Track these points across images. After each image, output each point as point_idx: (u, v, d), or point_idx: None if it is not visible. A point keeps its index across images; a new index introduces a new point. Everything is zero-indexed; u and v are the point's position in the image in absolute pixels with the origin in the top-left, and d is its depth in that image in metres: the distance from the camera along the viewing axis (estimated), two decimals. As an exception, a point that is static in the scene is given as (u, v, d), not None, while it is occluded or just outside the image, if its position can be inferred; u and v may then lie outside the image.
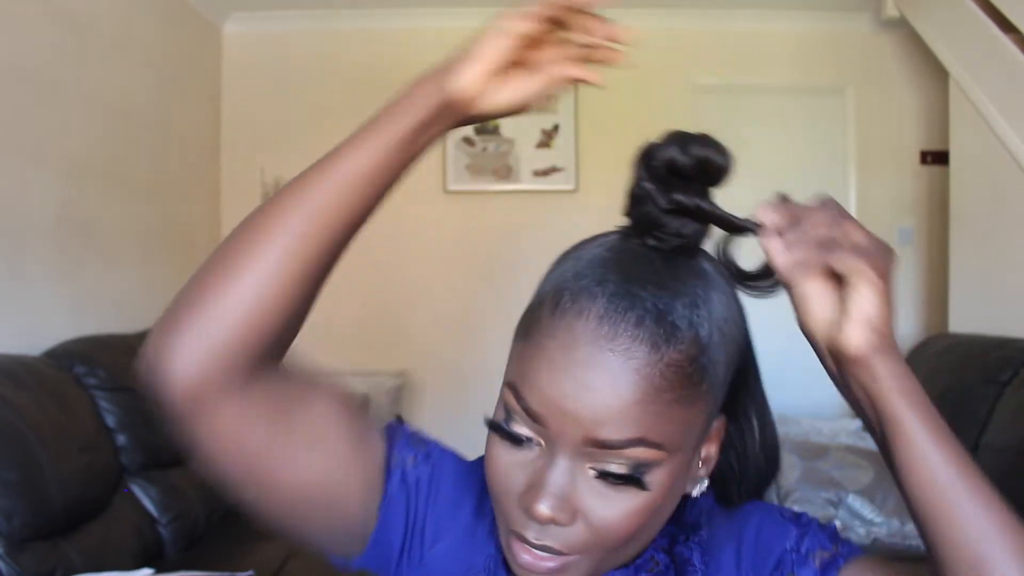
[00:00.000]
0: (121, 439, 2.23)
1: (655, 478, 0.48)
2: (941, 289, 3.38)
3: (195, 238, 3.45)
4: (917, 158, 3.72)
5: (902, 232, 3.71)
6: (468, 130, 3.69)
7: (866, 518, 2.37)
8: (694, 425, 0.50)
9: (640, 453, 0.47)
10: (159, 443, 2.37)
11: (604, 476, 0.48)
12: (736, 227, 0.50)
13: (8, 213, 2.20)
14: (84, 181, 2.57)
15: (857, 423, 3.05)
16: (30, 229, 2.30)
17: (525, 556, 0.50)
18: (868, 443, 2.52)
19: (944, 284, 3.22)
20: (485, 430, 0.54)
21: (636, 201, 0.52)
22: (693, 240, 0.52)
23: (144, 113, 2.98)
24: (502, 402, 0.52)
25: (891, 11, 3.39)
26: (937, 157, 3.62)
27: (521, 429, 0.50)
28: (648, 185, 0.50)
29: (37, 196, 2.34)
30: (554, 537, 0.49)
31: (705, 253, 0.53)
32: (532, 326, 0.51)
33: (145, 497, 2.27)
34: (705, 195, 0.51)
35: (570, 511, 0.48)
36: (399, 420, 0.65)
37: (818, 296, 0.47)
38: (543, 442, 0.50)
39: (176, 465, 2.46)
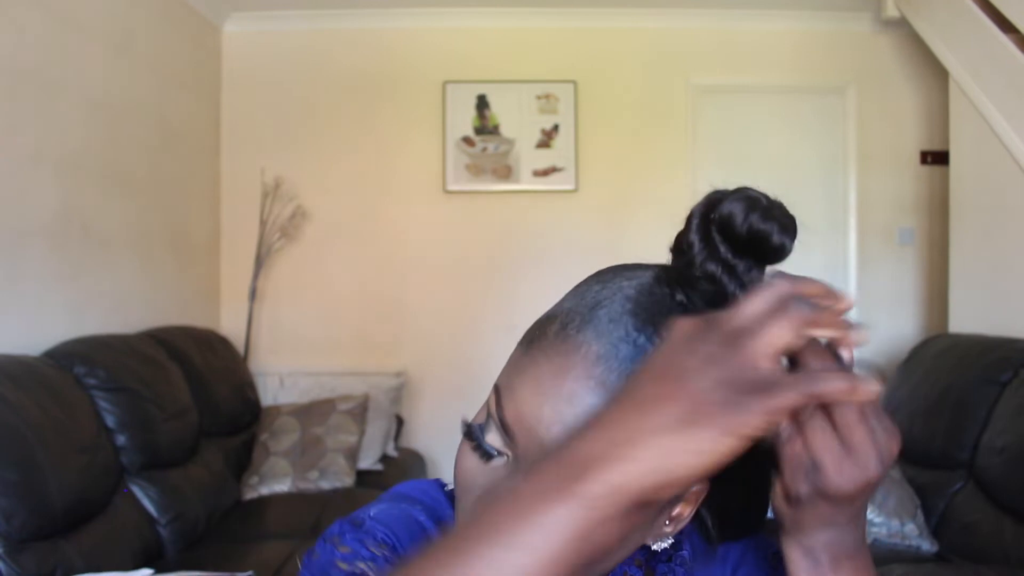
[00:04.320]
0: (121, 439, 2.23)
1: None
2: (941, 289, 3.39)
3: (195, 238, 3.45)
4: (917, 158, 3.72)
5: (902, 232, 3.72)
6: (468, 129, 3.69)
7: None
8: None
9: None
10: (159, 443, 2.37)
11: None
12: None
13: (8, 213, 2.20)
14: (84, 181, 2.58)
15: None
16: (30, 229, 2.30)
17: None
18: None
19: (944, 284, 3.22)
20: None
21: (679, 248, 0.49)
22: (721, 306, 0.46)
23: (144, 113, 2.98)
24: (486, 404, 0.52)
25: (891, 11, 3.39)
26: (937, 157, 3.62)
27: (494, 441, 0.50)
28: (694, 238, 0.48)
29: (37, 196, 2.34)
30: None
31: None
32: (536, 337, 0.49)
33: (145, 497, 2.27)
34: (749, 270, 0.47)
35: None
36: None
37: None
38: (510, 456, 0.49)
39: (176, 465, 2.47)
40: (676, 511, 0.51)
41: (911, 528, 2.26)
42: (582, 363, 0.46)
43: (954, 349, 2.67)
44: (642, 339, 0.46)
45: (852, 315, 0.40)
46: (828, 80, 3.74)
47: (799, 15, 3.67)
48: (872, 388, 0.37)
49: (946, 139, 3.19)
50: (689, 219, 0.48)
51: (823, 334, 0.38)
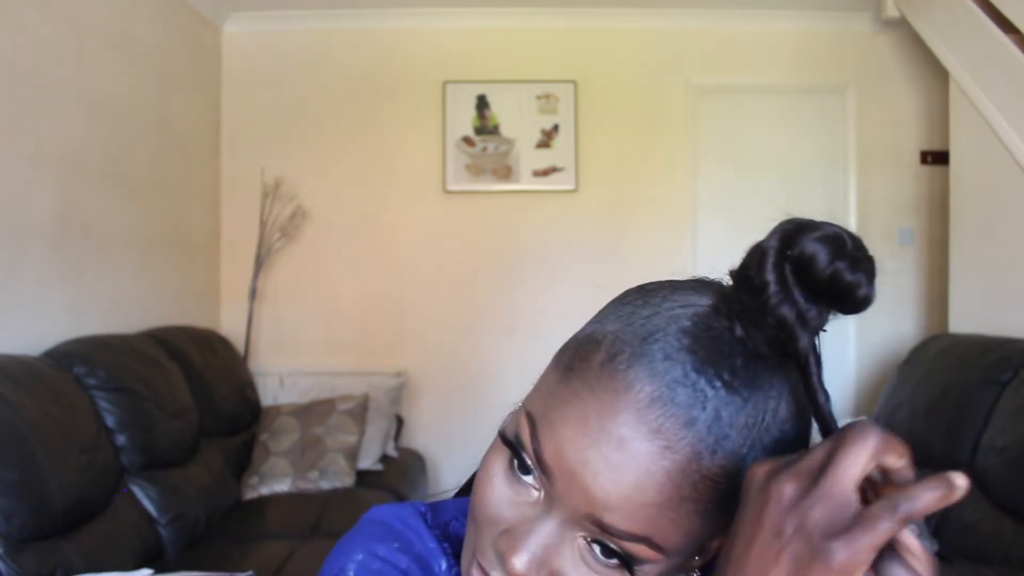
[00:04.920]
0: (121, 439, 2.23)
1: (644, 570, 0.44)
2: (941, 289, 3.38)
3: (195, 238, 3.45)
4: (917, 158, 3.72)
5: (902, 232, 3.72)
6: (468, 129, 3.69)
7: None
8: (707, 535, 0.45)
9: (639, 550, 0.43)
10: (159, 443, 2.37)
11: (593, 548, 0.44)
12: (816, 405, 0.42)
13: (8, 213, 2.20)
14: (84, 181, 2.57)
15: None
16: (30, 229, 2.30)
17: None
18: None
19: (944, 284, 3.22)
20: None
21: (746, 280, 0.42)
22: (786, 355, 0.43)
23: (144, 113, 2.98)
24: (514, 424, 0.47)
25: (891, 11, 3.39)
26: (937, 157, 3.62)
27: (529, 462, 0.46)
28: (769, 278, 0.41)
29: (37, 196, 2.34)
30: None
31: (800, 370, 0.43)
32: (577, 365, 0.45)
33: (145, 497, 2.27)
34: (820, 315, 0.42)
35: (544, 574, 0.45)
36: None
37: None
38: (542, 492, 0.45)
39: (176, 465, 2.47)
40: (709, 544, 0.48)
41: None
42: (634, 405, 0.42)
43: (954, 349, 2.67)
44: (702, 382, 0.42)
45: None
46: (828, 80, 3.74)
47: (799, 15, 3.67)
48: (962, 483, 0.34)
49: (946, 139, 3.19)
50: (763, 254, 0.41)
51: (894, 462, 0.36)
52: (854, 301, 0.41)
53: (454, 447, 3.61)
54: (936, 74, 3.43)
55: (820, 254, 0.40)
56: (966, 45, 2.89)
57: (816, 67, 3.73)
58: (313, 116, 3.70)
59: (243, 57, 3.71)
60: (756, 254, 0.42)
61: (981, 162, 2.88)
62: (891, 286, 3.71)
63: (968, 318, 2.93)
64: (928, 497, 0.34)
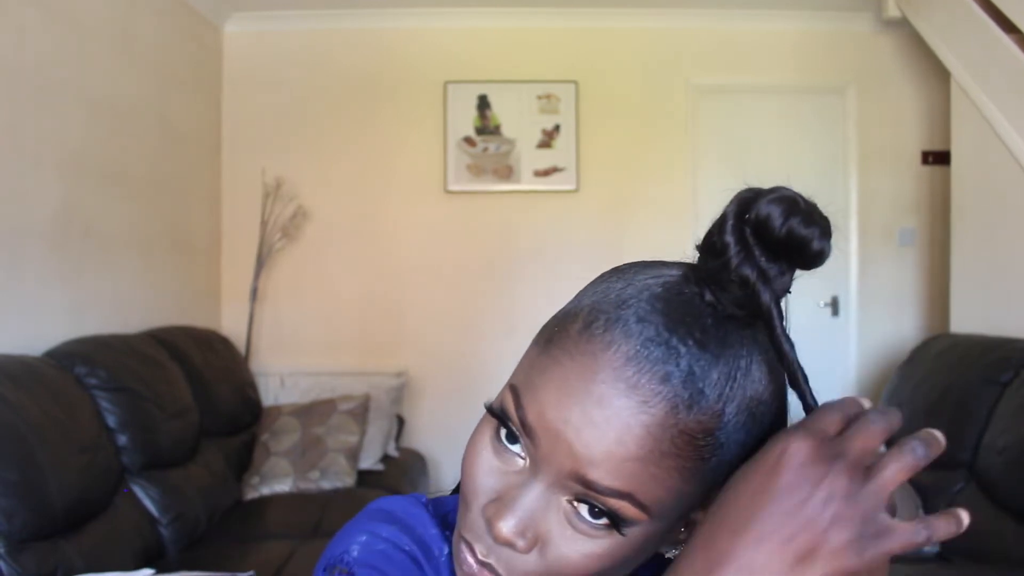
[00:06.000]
0: (122, 439, 2.23)
1: (630, 531, 0.46)
2: (942, 289, 3.38)
3: (195, 238, 3.46)
4: (918, 158, 3.72)
5: (903, 232, 3.72)
6: (469, 130, 3.69)
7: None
8: (689, 497, 0.47)
9: (623, 507, 0.45)
10: (160, 443, 2.37)
11: (579, 510, 0.46)
12: (781, 354, 0.46)
13: (9, 213, 2.20)
14: (84, 181, 2.58)
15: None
16: (30, 229, 2.30)
17: (470, 560, 0.48)
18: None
19: (945, 284, 3.22)
20: None
21: (710, 246, 0.46)
22: (752, 314, 0.46)
23: (144, 113, 2.98)
24: (499, 400, 0.50)
25: (892, 11, 3.39)
26: (938, 157, 3.62)
27: (514, 429, 0.48)
28: (729, 240, 0.45)
29: (37, 196, 2.34)
30: (503, 559, 0.47)
31: (765, 323, 0.46)
32: (556, 337, 0.48)
33: (145, 497, 2.27)
34: (781, 274, 0.45)
35: (531, 539, 0.46)
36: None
37: None
38: (528, 459, 0.47)
39: (177, 465, 2.47)
40: (692, 517, 0.49)
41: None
42: (611, 364, 0.44)
43: (955, 349, 2.67)
44: (674, 340, 0.44)
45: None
46: (828, 80, 3.74)
47: (799, 15, 3.67)
48: (966, 518, 0.40)
49: (947, 139, 3.19)
50: (722, 219, 0.45)
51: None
52: (809, 254, 0.44)
53: (455, 447, 3.61)
54: (937, 74, 3.43)
55: (775, 213, 0.44)
56: (967, 45, 2.89)
57: (816, 67, 3.73)
58: (314, 116, 3.70)
59: (243, 57, 3.71)
60: (718, 221, 0.46)
61: (982, 162, 2.88)
62: (891, 286, 3.72)
63: (969, 318, 2.93)
64: (944, 531, 0.41)
